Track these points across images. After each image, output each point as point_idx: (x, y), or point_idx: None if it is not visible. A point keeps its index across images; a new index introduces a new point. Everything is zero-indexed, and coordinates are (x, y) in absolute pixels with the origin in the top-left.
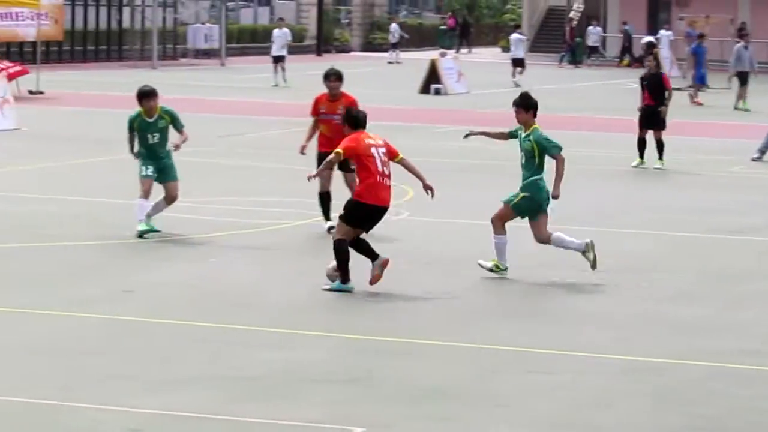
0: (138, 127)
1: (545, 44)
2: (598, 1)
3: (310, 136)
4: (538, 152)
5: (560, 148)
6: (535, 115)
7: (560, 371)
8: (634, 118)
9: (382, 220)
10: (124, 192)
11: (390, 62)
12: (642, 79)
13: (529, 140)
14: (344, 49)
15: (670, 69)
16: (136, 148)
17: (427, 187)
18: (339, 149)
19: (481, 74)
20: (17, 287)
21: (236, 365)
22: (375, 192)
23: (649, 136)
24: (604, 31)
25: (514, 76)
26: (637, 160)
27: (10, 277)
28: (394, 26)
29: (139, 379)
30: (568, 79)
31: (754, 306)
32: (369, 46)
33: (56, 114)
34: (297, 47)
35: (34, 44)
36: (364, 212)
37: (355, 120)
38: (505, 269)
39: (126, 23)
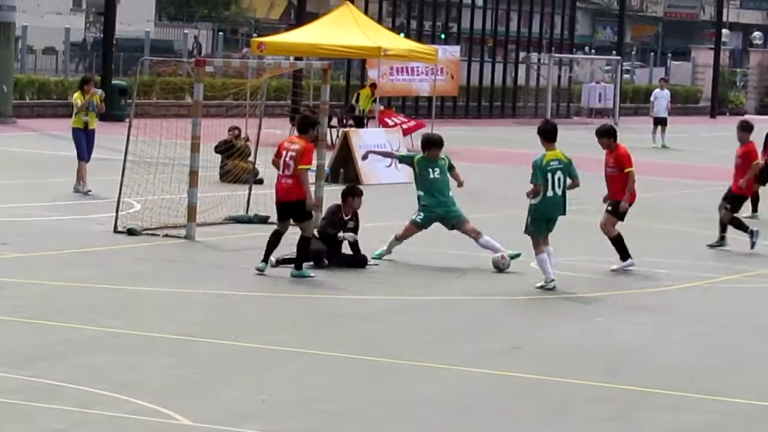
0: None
1: None
2: None
3: None
4: None
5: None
6: None
7: None
8: None
9: None
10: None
11: None
12: None
13: None
14: (739, 111)
15: None
16: None
17: None
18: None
19: None
20: (420, 341)
21: (627, 427)
22: (276, 189)
23: None
24: None
25: None
26: None
27: (411, 330)
28: None
29: None
30: None
31: None
32: (764, 109)
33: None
34: (691, 108)
35: (429, 99)
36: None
37: (297, 124)
38: None
39: (521, 80)
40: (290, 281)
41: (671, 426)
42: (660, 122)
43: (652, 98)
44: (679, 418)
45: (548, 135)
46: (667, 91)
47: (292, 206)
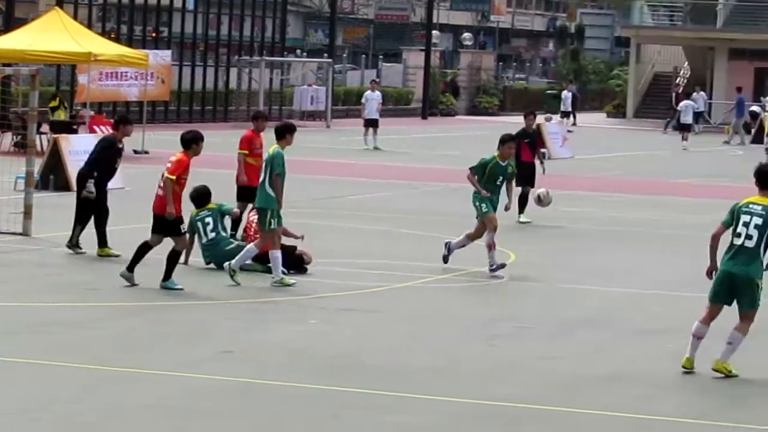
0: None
1: (652, 110)
2: (705, 68)
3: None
4: None
5: None
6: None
7: None
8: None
9: None
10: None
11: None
12: None
13: None
14: (449, 112)
15: None
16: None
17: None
18: None
19: (586, 139)
20: (135, 347)
21: (341, 428)
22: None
23: None
24: (710, 98)
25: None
26: None
27: (125, 337)
28: (566, 94)
29: None
30: (673, 145)
31: None
32: (474, 110)
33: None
34: (403, 110)
35: (140, 103)
36: None
37: (181, 140)
38: None
39: (233, 84)
40: None
41: (391, 427)
42: (371, 124)
43: (363, 100)
44: (399, 419)
45: None
46: (378, 93)
47: (163, 219)
